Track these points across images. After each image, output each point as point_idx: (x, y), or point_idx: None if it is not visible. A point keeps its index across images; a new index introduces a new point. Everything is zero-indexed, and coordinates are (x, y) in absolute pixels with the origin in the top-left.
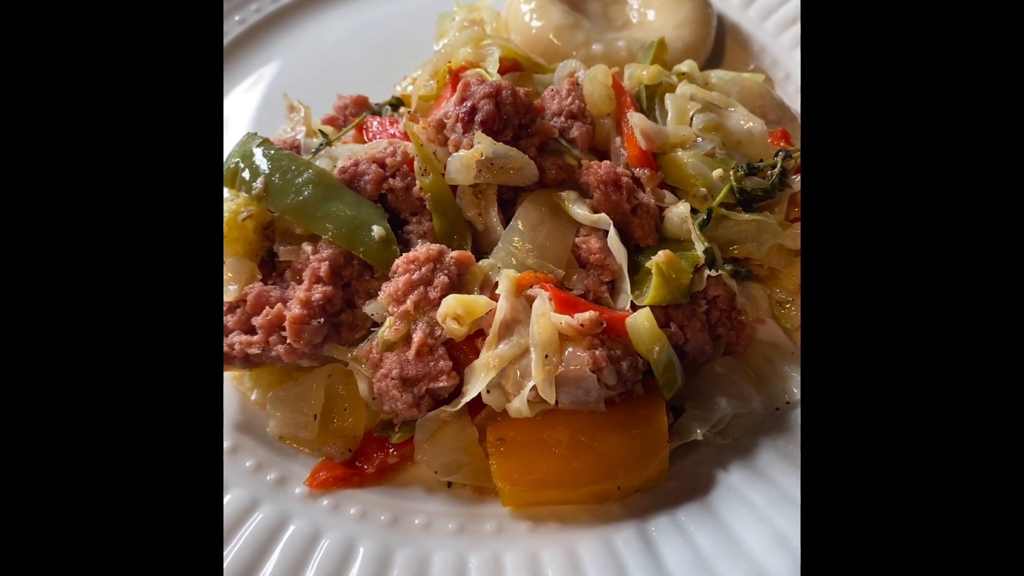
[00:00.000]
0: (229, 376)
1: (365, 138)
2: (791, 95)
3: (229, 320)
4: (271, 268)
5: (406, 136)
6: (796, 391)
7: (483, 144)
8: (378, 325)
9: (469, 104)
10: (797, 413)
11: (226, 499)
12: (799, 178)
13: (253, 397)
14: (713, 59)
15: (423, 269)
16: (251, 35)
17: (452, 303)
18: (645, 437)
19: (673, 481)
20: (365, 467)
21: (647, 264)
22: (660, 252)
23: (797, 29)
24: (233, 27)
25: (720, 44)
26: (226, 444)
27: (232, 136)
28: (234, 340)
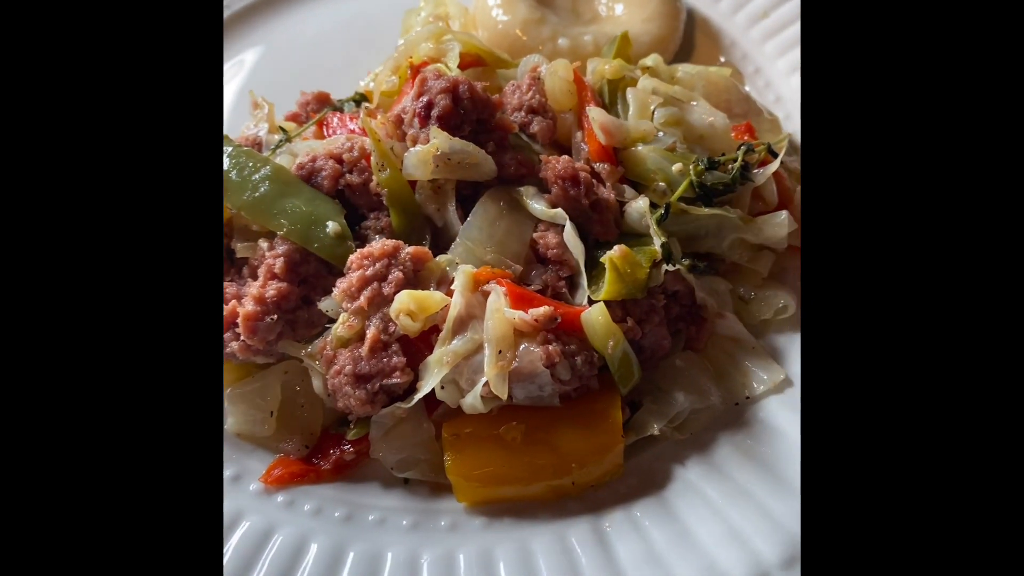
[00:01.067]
0: None
1: (325, 134)
2: (761, 89)
3: None
4: (229, 264)
5: (365, 132)
6: (756, 386)
7: (439, 139)
8: (333, 321)
9: (426, 99)
10: (756, 408)
11: None
12: (762, 172)
13: None
14: (682, 53)
15: (377, 265)
16: (226, 27)
17: (405, 299)
18: (600, 432)
19: (630, 476)
20: (321, 463)
21: (602, 259)
22: (615, 247)
23: (767, 23)
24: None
25: (690, 38)
26: None
27: None
28: None
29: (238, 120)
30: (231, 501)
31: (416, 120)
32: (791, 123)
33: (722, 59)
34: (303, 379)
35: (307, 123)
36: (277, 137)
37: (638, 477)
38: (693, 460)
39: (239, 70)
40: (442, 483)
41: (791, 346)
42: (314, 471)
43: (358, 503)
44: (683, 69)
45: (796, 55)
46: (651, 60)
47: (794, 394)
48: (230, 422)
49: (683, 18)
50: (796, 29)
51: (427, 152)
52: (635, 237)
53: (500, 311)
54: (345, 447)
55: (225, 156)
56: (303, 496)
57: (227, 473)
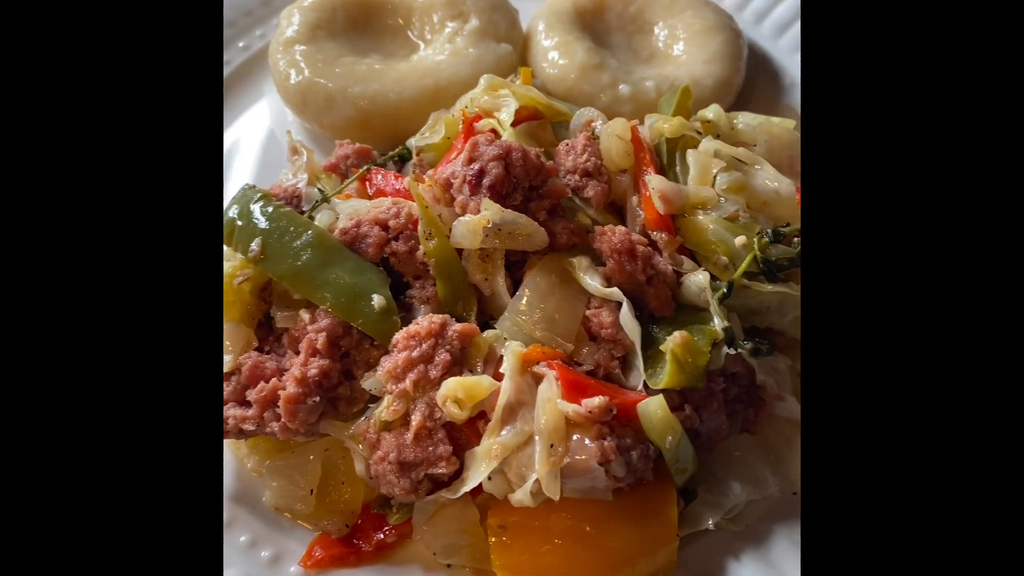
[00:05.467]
0: (226, 442)
1: (368, 191)
2: None
3: (224, 390)
4: (268, 330)
5: (410, 194)
6: None
7: (491, 211)
8: (377, 398)
9: (477, 166)
10: None
11: None
12: None
13: (249, 465)
14: (743, 94)
15: (424, 346)
16: (254, 64)
17: (453, 386)
18: (653, 529)
19: (682, 570)
20: (362, 545)
21: (661, 348)
22: (676, 334)
23: None
24: (236, 55)
25: (749, 77)
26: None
27: (235, 176)
28: (229, 413)
29: (272, 166)
30: None
31: (466, 187)
32: None
33: (782, 100)
34: (344, 456)
35: (348, 179)
36: (317, 189)
37: (690, 570)
38: (748, 555)
39: (267, 109)
40: (486, 569)
41: None
42: (355, 553)
43: None
44: (743, 120)
45: None
46: (712, 113)
47: None
48: (268, 495)
49: (745, 57)
50: None
51: (477, 223)
52: (692, 311)
53: (552, 402)
54: (387, 529)
55: (265, 217)
56: None
57: (266, 554)
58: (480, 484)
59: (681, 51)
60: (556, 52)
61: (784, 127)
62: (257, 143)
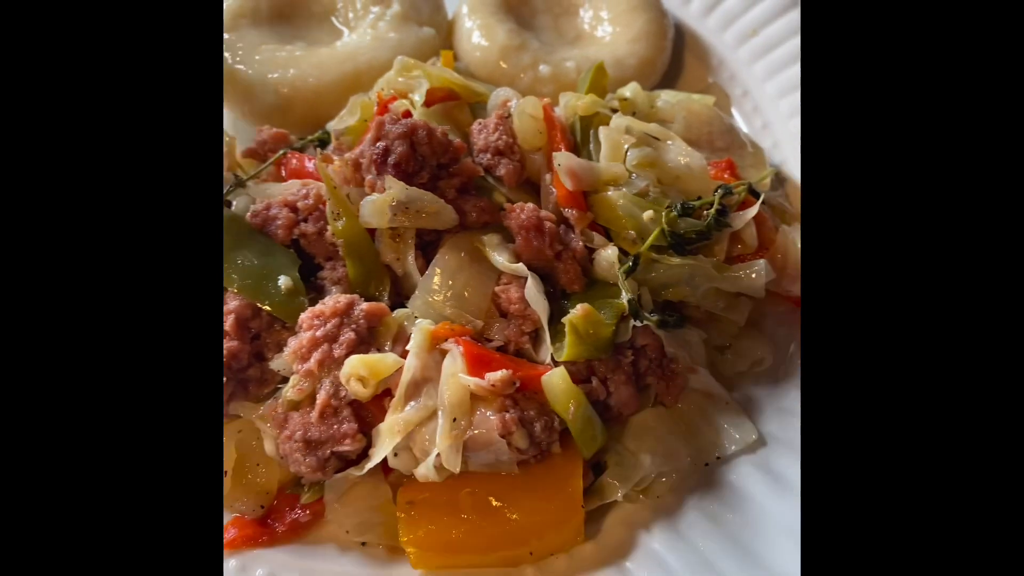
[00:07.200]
0: None
1: (283, 175)
2: (748, 113)
3: None
4: None
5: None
6: (728, 445)
7: (395, 189)
8: (287, 379)
9: (382, 145)
10: (725, 469)
11: None
12: (741, 215)
13: None
14: (670, 73)
15: (328, 325)
16: None
17: (355, 364)
18: (559, 502)
19: (591, 542)
20: (276, 525)
21: (563, 320)
22: (577, 307)
23: (757, 41)
24: None
25: (678, 56)
26: None
27: None
28: None
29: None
30: None
31: (373, 166)
32: (779, 152)
33: (710, 79)
34: (258, 438)
35: (263, 164)
36: (233, 174)
37: (600, 542)
38: (658, 526)
39: None
40: (399, 546)
41: (767, 401)
42: (268, 533)
43: (313, 568)
44: (664, 97)
45: (786, 77)
46: (629, 91)
47: (765, 454)
48: None
49: (671, 37)
50: (786, 49)
51: (383, 201)
52: (604, 286)
53: (455, 376)
54: (300, 509)
55: None
56: (255, 560)
57: None
58: (392, 462)
59: (606, 31)
60: (478, 34)
61: (703, 104)
62: None
